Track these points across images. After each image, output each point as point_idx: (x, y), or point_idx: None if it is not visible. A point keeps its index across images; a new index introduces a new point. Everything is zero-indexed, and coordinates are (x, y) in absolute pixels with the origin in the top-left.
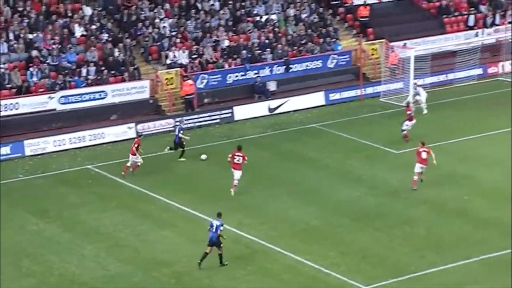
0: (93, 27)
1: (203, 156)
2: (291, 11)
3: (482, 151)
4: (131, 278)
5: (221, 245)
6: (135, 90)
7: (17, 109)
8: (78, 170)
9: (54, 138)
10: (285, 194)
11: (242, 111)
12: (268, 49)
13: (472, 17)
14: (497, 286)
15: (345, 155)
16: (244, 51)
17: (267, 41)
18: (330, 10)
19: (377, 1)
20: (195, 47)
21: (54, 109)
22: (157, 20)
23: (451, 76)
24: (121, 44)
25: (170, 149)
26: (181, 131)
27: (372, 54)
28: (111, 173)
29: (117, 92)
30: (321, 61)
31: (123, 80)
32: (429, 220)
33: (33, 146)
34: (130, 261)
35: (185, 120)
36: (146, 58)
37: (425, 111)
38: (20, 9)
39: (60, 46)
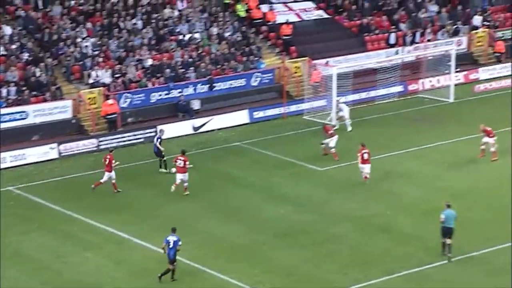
0: (13, 46)
1: (173, 170)
2: (214, 30)
3: (404, 167)
4: None
5: (175, 262)
6: (57, 110)
7: None
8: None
9: None
10: (210, 212)
11: (166, 130)
12: (191, 68)
13: (393, 35)
14: None
15: (269, 173)
16: (167, 70)
17: (190, 59)
18: (253, 29)
19: (299, 20)
20: (118, 66)
21: None
22: (79, 39)
23: (372, 93)
24: (42, 64)
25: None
26: (159, 140)
27: (295, 72)
28: (33, 194)
29: (39, 112)
30: (244, 79)
31: (45, 100)
32: (353, 237)
33: None
34: (53, 283)
35: (108, 139)
36: (68, 77)
37: (349, 128)
38: None
39: None
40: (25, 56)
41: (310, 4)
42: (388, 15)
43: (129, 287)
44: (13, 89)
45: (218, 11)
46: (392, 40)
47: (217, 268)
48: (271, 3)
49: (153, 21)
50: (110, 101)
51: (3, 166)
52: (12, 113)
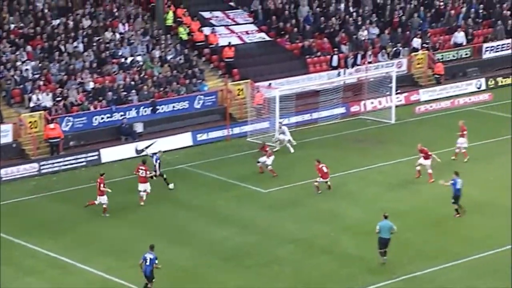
0: None
1: (171, 186)
2: (157, 53)
3: (347, 188)
4: None
5: (154, 279)
6: None
7: None
8: None
9: None
10: (154, 235)
11: (109, 153)
12: (134, 91)
13: (335, 57)
14: None
15: (213, 195)
16: (109, 93)
17: (133, 82)
18: (195, 52)
19: (241, 42)
20: (59, 89)
21: None
22: (19, 63)
23: (315, 115)
24: None
25: (159, 176)
26: (159, 161)
27: (238, 95)
28: None
29: None
30: (187, 102)
31: None
32: (297, 258)
33: None
34: None
35: (50, 164)
36: (8, 101)
37: (292, 150)
38: None
39: None
40: None
41: (252, 27)
42: (329, 38)
43: None
44: None
45: (160, 34)
46: (335, 62)
47: None
48: (213, 26)
49: (94, 44)
50: (51, 125)
51: None
52: None
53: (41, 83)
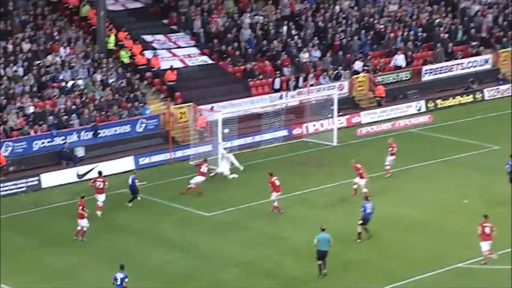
0: None
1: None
2: (98, 76)
3: (290, 211)
4: None
5: None
6: None
7: None
8: None
9: None
10: (96, 261)
11: (50, 178)
12: (75, 115)
13: (277, 80)
14: None
15: (156, 220)
16: (50, 117)
17: (74, 106)
18: (137, 75)
19: (183, 66)
20: None
21: None
22: None
23: (257, 138)
24: None
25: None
26: (136, 180)
27: (181, 118)
28: None
29: None
30: (129, 125)
31: None
32: (240, 282)
33: None
34: None
35: None
36: None
37: (231, 176)
38: None
39: None
40: None
41: (194, 50)
42: (271, 60)
43: None
44: None
45: (102, 57)
46: (277, 85)
47: None
48: (155, 49)
49: (34, 68)
50: None
51: None
52: None
53: None
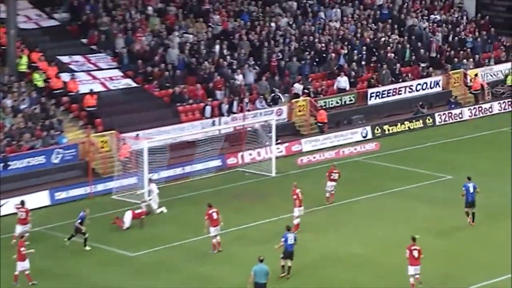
0: None
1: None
2: (8, 102)
3: (225, 249)
4: None
5: None
6: None
7: None
8: None
9: None
10: None
11: None
12: None
13: (208, 108)
14: None
15: (75, 261)
16: None
17: None
18: (53, 100)
19: (105, 89)
20: None
21: None
22: None
23: (188, 168)
24: None
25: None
26: (81, 220)
27: (102, 147)
28: None
29: None
30: (44, 156)
31: None
32: None
33: None
34: None
35: None
36: None
37: (160, 210)
38: None
39: None
40: None
41: (117, 72)
42: (202, 83)
43: None
44: None
45: (12, 80)
46: (208, 113)
47: None
48: (73, 71)
49: None
50: None
51: None
52: None
53: None
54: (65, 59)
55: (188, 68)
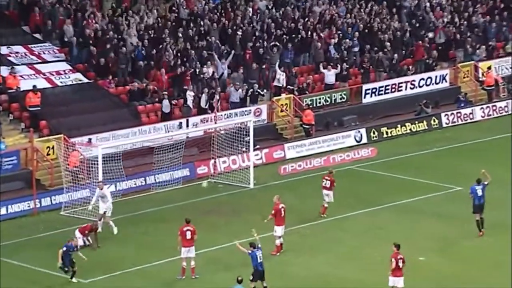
0: None
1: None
2: None
3: (196, 273)
4: None
5: None
6: None
7: None
8: None
9: None
10: None
11: None
12: None
13: (165, 102)
14: None
15: None
16: None
17: None
18: None
19: (50, 86)
20: None
21: None
22: None
23: (150, 179)
24: None
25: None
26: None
27: (48, 154)
28: None
29: None
30: None
31: None
32: None
33: None
34: None
35: None
36: None
37: (115, 231)
38: None
39: None
40: None
41: (65, 66)
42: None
43: None
44: None
45: None
46: (166, 108)
47: None
48: (12, 64)
49: None
50: None
51: None
52: None
53: None
54: (3, 50)
55: (149, 59)
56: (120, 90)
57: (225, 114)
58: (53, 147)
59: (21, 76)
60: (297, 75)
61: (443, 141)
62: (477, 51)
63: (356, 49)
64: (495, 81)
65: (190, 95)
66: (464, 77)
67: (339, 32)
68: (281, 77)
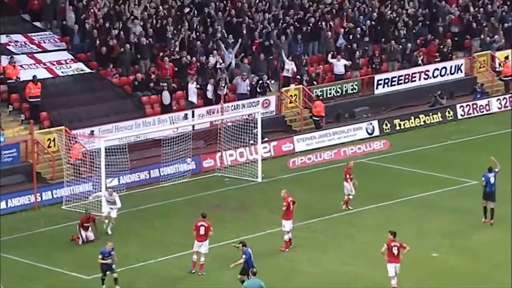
0: None
1: None
2: None
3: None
4: None
5: None
6: None
7: None
8: None
9: None
10: None
11: None
12: None
13: (166, 94)
14: None
15: (19, 286)
16: None
17: None
18: None
19: (51, 76)
20: None
21: None
22: None
23: (156, 172)
24: None
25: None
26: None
27: (49, 147)
28: None
29: None
30: None
31: None
32: None
33: None
34: None
35: None
36: None
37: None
38: None
39: None
40: None
41: (66, 55)
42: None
43: None
44: None
45: None
46: (166, 100)
47: None
48: (12, 54)
49: None
50: None
51: None
52: None
53: None
54: (1, 38)
55: (152, 50)
56: (124, 81)
57: (232, 106)
58: (54, 139)
59: (20, 66)
60: (306, 65)
61: (458, 133)
62: (494, 40)
63: (367, 38)
64: None
65: (192, 87)
66: (480, 67)
67: (350, 20)
68: (290, 67)
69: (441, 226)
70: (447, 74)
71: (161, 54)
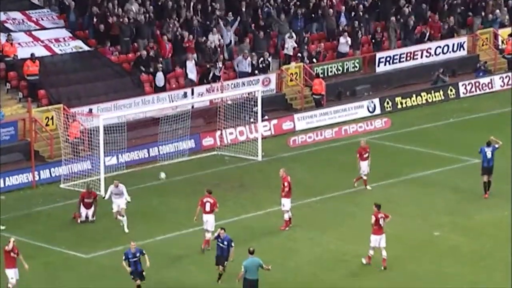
0: None
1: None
2: None
3: (197, 250)
4: None
5: None
6: None
7: None
8: None
9: None
10: None
11: None
12: None
13: (159, 75)
14: None
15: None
16: None
17: None
18: None
19: (49, 54)
20: None
21: None
22: None
23: (155, 151)
24: None
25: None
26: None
27: (47, 125)
28: None
29: None
30: None
31: None
32: None
33: None
34: None
35: None
36: None
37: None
38: None
39: None
40: None
41: (64, 33)
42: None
43: None
44: None
45: None
46: (160, 81)
47: None
48: (9, 31)
49: None
50: None
51: None
52: None
53: None
54: None
55: (152, 27)
56: (123, 58)
57: (232, 84)
58: (52, 118)
59: (18, 43)
60: (308, 42)
61: (460, 111)
62: (497, 17)
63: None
64: None
65: (190, 66)
66: (482, 45)
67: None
68: (290, 45)
69: (443, 205)
70: (450, 52)
71: (158, 32)
